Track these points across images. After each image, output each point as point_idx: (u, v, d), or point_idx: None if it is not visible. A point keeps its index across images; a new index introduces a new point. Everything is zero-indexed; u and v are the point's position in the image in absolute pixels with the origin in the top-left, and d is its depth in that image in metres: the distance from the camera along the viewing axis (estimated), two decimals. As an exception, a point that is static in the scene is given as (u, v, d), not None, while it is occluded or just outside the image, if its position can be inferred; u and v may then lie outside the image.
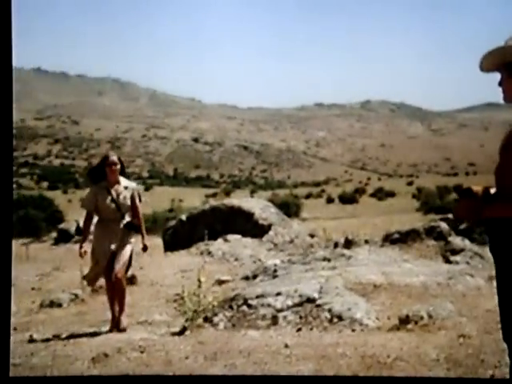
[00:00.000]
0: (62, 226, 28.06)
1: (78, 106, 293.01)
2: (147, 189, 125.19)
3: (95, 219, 6.19)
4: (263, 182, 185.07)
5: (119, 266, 5.95)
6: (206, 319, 6.10)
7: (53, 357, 4.94)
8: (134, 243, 6.25)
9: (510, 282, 2.54)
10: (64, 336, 5.93)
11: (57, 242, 26.95)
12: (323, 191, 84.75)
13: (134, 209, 6.19)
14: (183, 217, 16.05)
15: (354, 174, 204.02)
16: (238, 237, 14.04)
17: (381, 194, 68.33)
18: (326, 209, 51.67)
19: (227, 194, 77.38)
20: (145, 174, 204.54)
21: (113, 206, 6.05)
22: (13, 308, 8.47)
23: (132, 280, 9.52)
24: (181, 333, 5.67)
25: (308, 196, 73.86)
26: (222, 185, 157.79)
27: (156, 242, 18.01)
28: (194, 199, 66.42)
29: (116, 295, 6.07)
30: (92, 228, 6.18)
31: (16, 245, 25.51)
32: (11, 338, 6.08)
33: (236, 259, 11.84)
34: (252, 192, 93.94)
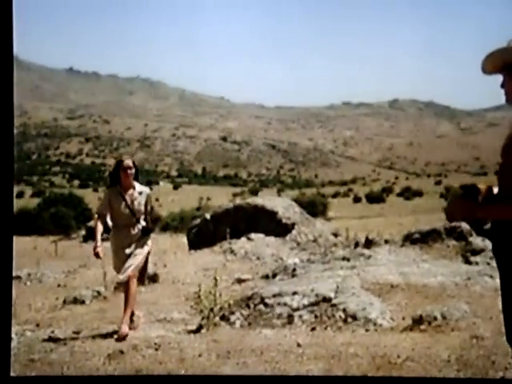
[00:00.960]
0: (90, 223, 28.33)
1: (109, 106, 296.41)
2: (176, 187, 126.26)
3: (109, 223, 6.06)
4: (291, 181, 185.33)
5: (129, 269, 5.79)
6: (222, 317, 6.15)
7: (71, 353, 5.02)
8: (151, 246, 6.13)
9: None
10: (84, 333, 6.01)
11: (85, 239, 27.29)
12: (350, 190, 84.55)
13: (145, 215, 6.06)
14: (207, 216, 16.15)
15: (382, 173, 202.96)
16: (261, 236, 14.10)
17: (408, 194, 67.86)
18: (353, 208, 51.45)
19: (255, 192, 77.47)
20: (174, 173, 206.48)
21: (127, 211, 5.92)
22: (38, 304, 8.68)
23: (154, 278, 9.64)
24: (197, 331, 5.72)
25: (335, 195, 73.77)
26: (249, 183, 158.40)
27: (182, 240, 18.16)
28: (221, 198, 66.74)
29: (125, 297, 5.92)
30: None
31: (46, 242, 25.96)
32: (33, 334, 6.25)
33: (258, 258, 11.89)
34: (279, 191, 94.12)
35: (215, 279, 6.09)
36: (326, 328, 5.39)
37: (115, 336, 5.59)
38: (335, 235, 15.47)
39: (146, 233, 5.97)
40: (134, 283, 5.86)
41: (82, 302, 8.34)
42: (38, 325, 6.86)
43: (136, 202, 5.97)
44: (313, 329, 5.40)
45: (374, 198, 59.61)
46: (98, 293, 8.70)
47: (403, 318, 5.44)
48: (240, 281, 9.04)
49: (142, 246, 5.93)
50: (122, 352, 4.86)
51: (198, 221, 16.79)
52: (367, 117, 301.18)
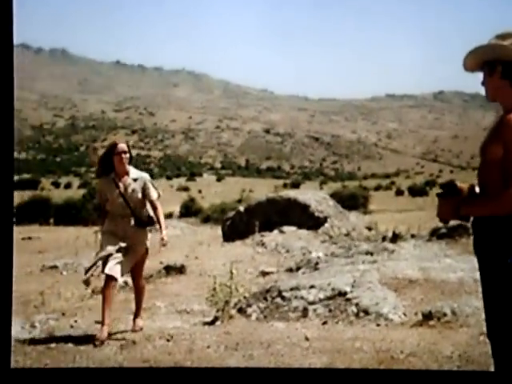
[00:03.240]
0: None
1: (155, 98, 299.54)
2: (219, 179, 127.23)
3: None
4: (333, 174, 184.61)
5: (133, 269, 5.53)
6: (240, 310, 6.23)
7: (87, 342, 5.16)
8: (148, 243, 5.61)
9: (492, 281, 2.54)
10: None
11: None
12: (393, 183, 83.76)
13: (150, 203, 5.52)
14: (241, 208, 16.27)
15: (426, 166, 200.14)
16: (294, 229, 14.13)
17: (452, 187, 66.47)
18: (395, 201, 50.82)
19: (296, 185, 77.32)
20: (217, 165, 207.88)
21: (120, 200, 5.37)
22: (68, 294, 8.90)
23: (181, 270, 9.77)
24: (212, 323, 5.82)
25: (377, 188, 73.18)
26: (292, 176, 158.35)
27: (220, 232, 18.33)
28: (264, 190, 66.83)
29: (135, 296, 5.82)
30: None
31: (89, 232, 26.50)
32: (56, 322, 6.42)
33: (287, 251, 11.90)
34: (322, 183, 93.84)
35: (231, 272, 6.16)
36: (337, 322, 5.42)
37: (135, 327, 5.61)
38: (369, 229, 15.37)
39: (139, 224, 5.41)
40: (143, 287, 5.80)
41: (110, 293, 8.47)
42: (63, 314, 7.02)
43: (130, 189, 5.41)
44: (324, 323, 5.43)
45: (417, 191, 58.62)
46: (126, 283, 8.84)
47: (416, 314, 5.42)
48: (264, 273, 9.08)
49: (139, 241, 5.45)
50: (134, 342, 4.99)
51: (232, 213, 16.91)
52: (411, 109, 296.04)
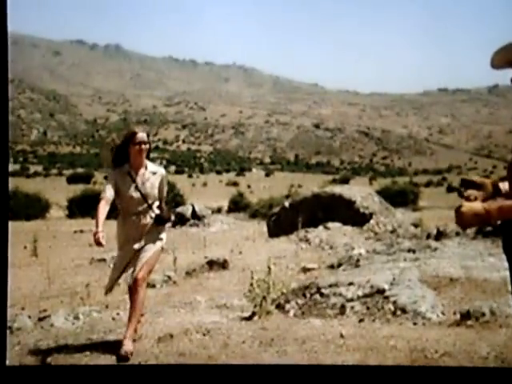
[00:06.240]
0: (179, 209, 28.85)
1: (205, 93, 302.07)
2: (268, 174, 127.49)
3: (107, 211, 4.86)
4: (383, 169, 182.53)
5: (140, 267, 4.73)
6: (278, 306, 6.25)
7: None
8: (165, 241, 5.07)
9: None
10: (146, 316, 6.25)
11: (174, 224, 27.92)
12: (444, 179, 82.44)
13: (160, 199, 5.01)
14: (286, 203, 16.26)
15: (479, 161, 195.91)
16: (339, 225, 14.05)
17: (507, 183, 65.05)
18: (446, 198, 49.88)
19: (346, 181, 76.71)
20: (266, 160, 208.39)
21: (138, 195, 4.82)
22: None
23: (224, 265, 9.86)
24: (249, 318, 5.85)
25: (428, 184, 72.12)
26: (342, 171, 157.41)
27: (265, 227, 18.41)
28: (312, 185, 66.57)
29: (131, 302, 4.87)
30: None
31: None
32: (99, 314, 6.57)
33: (331, 247, 11.86)
34: (371, 179, 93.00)
35: (269, 268, 6.18)
36: (374, 320, 5.37)
37: (121, 351, 4.59)
38: (415, 226, 15.15)
39: (159, 222, 4.90)
40: (142, 288, 4.78)
41: (153, 286, 8.61)
42: (106, 306, 7.20)
43: (148, 184, 4.87)
44: (361, 320, 5.40)
45: (469, 188, 57.55)
46: (169, 277, 9.01)
47: (454, 313, 5.32)
48: (305, 270, 9.09)
49: (154, 241, 4.87)
50: (171, 336, 5.06)
51: (277, 209, 16.92)
52: (464, 103, 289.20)
